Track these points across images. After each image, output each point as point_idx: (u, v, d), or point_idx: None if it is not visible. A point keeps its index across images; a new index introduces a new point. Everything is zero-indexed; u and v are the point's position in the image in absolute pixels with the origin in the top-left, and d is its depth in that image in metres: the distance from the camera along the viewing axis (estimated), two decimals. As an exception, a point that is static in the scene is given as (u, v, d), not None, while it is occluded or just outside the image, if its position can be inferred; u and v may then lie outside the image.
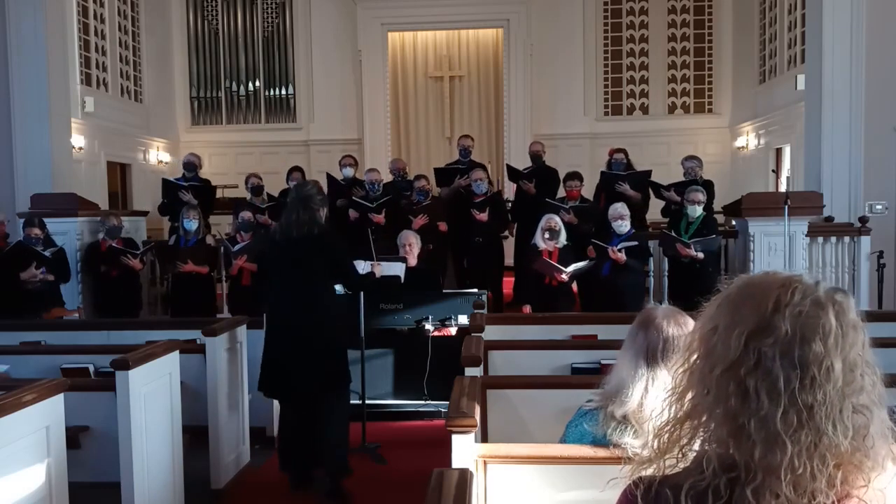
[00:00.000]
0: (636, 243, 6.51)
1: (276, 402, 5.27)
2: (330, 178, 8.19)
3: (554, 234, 6.42)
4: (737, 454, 1.05)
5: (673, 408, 1.14)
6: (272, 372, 4.31)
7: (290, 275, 4.23)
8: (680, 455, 1.13)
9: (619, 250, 6.36)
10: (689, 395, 1.12)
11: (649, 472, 1.15)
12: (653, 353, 2.04)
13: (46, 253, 6.65)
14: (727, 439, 1.06)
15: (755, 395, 1.04)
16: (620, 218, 6.54)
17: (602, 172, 8.21)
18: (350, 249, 4.66)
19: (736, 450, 1.05)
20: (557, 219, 6.58)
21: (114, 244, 7.21)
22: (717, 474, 1.05)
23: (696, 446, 1.11)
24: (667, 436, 1.14)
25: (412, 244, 6.24)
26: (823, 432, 1.02)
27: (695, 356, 1.12)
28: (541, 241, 6.46)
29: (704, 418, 1.09)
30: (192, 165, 8.60)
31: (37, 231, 6.72)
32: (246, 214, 7.30)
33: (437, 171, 8.62)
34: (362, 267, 4.78)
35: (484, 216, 7.63)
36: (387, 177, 8.89)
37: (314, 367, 4.19)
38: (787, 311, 1.05)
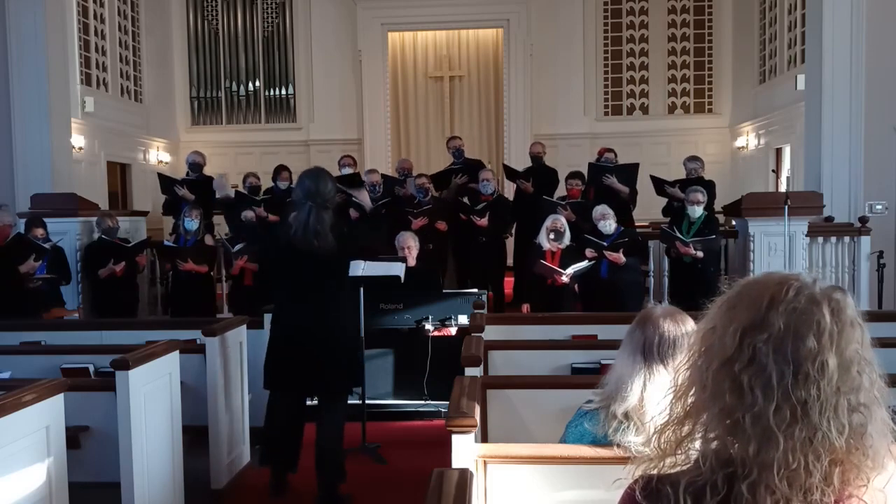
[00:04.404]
0: (626, 239, 6.52)
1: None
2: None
3: (559, 234, 6.42)
4: (733, 450, 1.06)
5: (674, 407, 1.15)
6: (281, 368, 4.24)
7: (307, 281, 4.11)
8: (682, 455, 1.13)
9: (618, 249, 6.36)
10: (690, 394, 1.12)
11: (652, 471, 1.16)
12: (649, 349, 2.05)
13: (46, 245, 6.66)
14: (724, 436, 1.07)
15: (749, 391, 1.04)
16: (603, 218, 6.55)
17: (590, 164, 8.24)
18: (359, 249, 4.56)
19: (732, 446, 1.06)
20: (563, 220, 6.58)
21: (116, 241, 7.22)
22: (714, 470, 1.06)
23: (698, 445, 1.11)
24: (668, 434, 1.14)
25: (411, 247, 6.22)
26: (818, 428, 1.02)
27: (695, 355, 1.13)
28: (545, 242, 6.45)
29: (704, 417, 1.09)
30: (197, 166, 8.59)
31: (41, 231, 6.74)
32: (248, 214, 7.31)
33: (433, 177, 8.59)
34: (361, 268, 4.75)
35: (484, 221, 7.63)
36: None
37: (329, 369, 4.15)
38: (781, 307, 1.05)
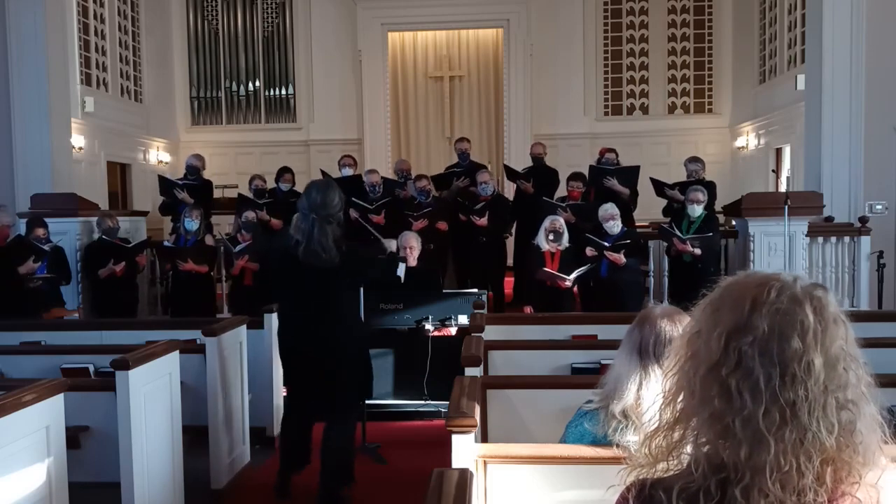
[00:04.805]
0: (629, 241, 6.52)
1: (277, 404, 5.27)
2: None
3: (557, 235, 6.41)
4: (725, 455, 1.05)
5: (664, 414, 1.14)
6: (293, 390, 4.29)
7: (313, 292, 4.09)
8: (674, 461, 1.13)
9: (619, 250, 6.35)
10: (678, 400, 1.12)
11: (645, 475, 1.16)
12: (645, 348, 2.06)
13: (46, 247, 6.66)
14: (715, 440, 1.06)
15: (738, 395, 1.04)
16: (612, 218, 6.55)
17: (591, 167, 8.23)
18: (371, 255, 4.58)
19: (724, 450, 1.05)
20: (561, 220, 6.57)
21: (116, 241, 7.22)
22: (706, 476, 1.06)
23: (689, 449, 1.11)
24: (659, 440, 1.14)
25: (413, 247, 6.21)
26: (807, 428, 1.02)
27: (681, 360, 1.13)
28: (544, 242, 6.45)
29: (694, 422, 1.09)
30: (194, 169, 8.57)
31: (43, 231, 6.74)
32: (249, 214, 7.30)
33: (434, 178, 8.61)
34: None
35: (484, 221, 7.64)
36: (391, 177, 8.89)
37: (338, 383, 4.14)
38: (764, 309, 1.05)
